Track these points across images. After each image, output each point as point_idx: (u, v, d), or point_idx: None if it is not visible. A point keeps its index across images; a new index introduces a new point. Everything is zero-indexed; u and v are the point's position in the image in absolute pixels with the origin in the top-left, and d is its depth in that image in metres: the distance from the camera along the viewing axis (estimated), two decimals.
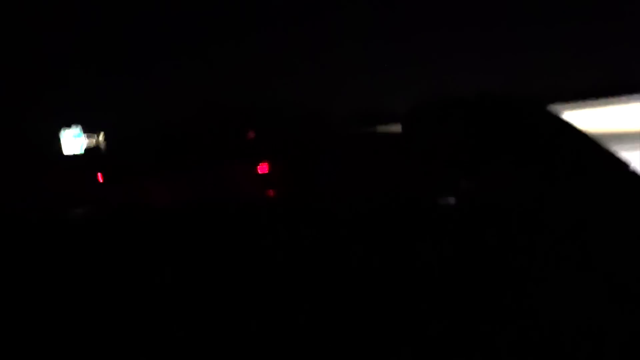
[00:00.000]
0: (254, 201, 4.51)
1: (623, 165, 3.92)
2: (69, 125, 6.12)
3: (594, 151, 4.00)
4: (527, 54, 5.67)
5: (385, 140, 4.54)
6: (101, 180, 4.86)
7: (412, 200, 3.96)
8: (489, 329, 3.21)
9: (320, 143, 4.84)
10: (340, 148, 4.68)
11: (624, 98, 5.95)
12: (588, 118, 5.74)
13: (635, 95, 5.89)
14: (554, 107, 4.86)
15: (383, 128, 5.03)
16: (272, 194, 4.57)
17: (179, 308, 3.64)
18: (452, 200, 3.86)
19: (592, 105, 5.97)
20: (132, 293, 3.73)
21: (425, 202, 3.91)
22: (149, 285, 3.80)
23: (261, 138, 4.82)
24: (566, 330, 3.06)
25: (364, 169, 4.38)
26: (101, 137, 5.86)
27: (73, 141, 6.33)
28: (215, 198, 4.53)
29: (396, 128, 4.77)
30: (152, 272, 3.92)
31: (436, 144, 3.99)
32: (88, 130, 5.98)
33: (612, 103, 6.01)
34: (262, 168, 4.64)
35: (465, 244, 3.56)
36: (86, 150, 5.90)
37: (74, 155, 5.81)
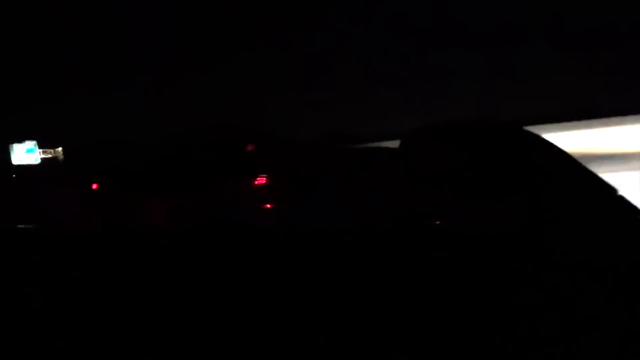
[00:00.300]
0: (251, 216, 4.58)
1: (611, 191, 4.13)
2: (20, 140, 6.19)
3: (583, 177, 4.21)
4: (515, 79, 5.91)
5: (382, 157, 4.67)
6: (95, 188, 4.89)
7: (408, 217, 4.11)
8: (480, 342, 3.36)
9: (317, 158, 4.93)
10: (337, 163, 4.78)
11: (610, 120, 6.22)
12: (575, 139, 5.99)
13: (621, 118, 6.17)
14: (541, 130, 5.09)
15: (379, 145, 5.16)
16: (269, 207, 4.64)
17: (177, 325, 3.71)
18: (446, 220, 4.02)
19: (578, 127, 6.23)
20: (128, 313, 3.79)
21: (420, 221, 4.06)
22: (146, 305, 3.85)
23: (259, 152, 4.87)
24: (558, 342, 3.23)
25: (360, 184, 4.50)
26: (59, 151, 5.90)
27: (26, 155, 6.42)
28: (213, 212, 4.59)
29: (392, 144, 4.91)
30: (150, 287, 3.98)
31: (436, 165, 4.15)
32: (45, 145, 6.07)
33: (597, 125, 6.28)
34: (260, 181, 4.70)
35: (457, 264, 3.72)
36: (42, 161, 5.96)
37: (27, 166, 5.84)
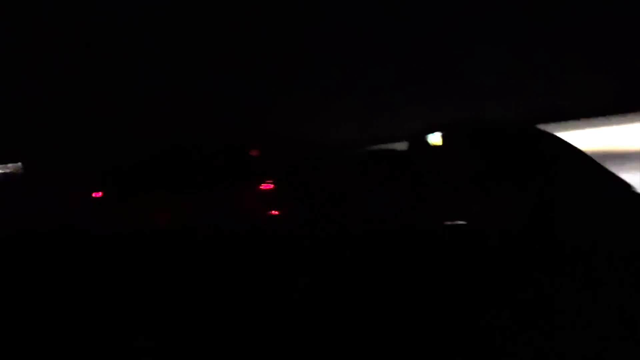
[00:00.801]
0: (257, 222, 4.64)
1: (627, 188, 4.19)
2: None
3: (597, 174, 4.27)
4: (526, 76, 5.94)
5: (391, 160, 4.73)
6: (99, 196, 4.96)
7: (421, 221, 4.17)
8: (497, 344, 3.42)
9: (325, 162, 4.99)
10: (344, 168, 4.84)
11: (625, 117, 6.22)
12: (590, 137, 6.01)
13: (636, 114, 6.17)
14: (555, 127, 5.13)
15: (386, 147, 5.22)
16: (276, 214, 4.70)
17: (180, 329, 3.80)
18: (462, 223, 4.08)
19: (594, 125, 6.24)
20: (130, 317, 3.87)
21: (434, 224, 4.12)
22: (149, 309, 3.94)
23: (265, 156, 4.92)
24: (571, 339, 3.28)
25: (370, 189, 4.56)
26: (18, 166, 5.79)
27: None
28: (218, 218, 4.66)
29: (399, 146, 4.98)
30: (153, 294, 4.07)
31: (447, 166, 4.22)
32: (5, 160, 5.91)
33: (613, 122, 6.28)
34: (267, 187, 4.75)
35: (474, 266, 3.78)
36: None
37: None
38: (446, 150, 4.33)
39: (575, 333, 3.28)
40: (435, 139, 4.32)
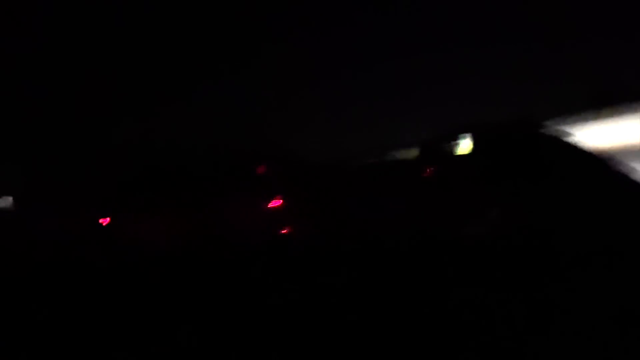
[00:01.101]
0: (265, 241, 4.58)
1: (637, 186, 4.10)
2: None
3: (612, 176, 4.19)
4: (530, 73, 5.90)
5: (403, 170, 4.67)
6: (105, 224, 4.92)
7: (439, 231, 4.10)
8: (517, 349, 3.34)
9: (336, 174, 4.93)
10: (356, 179, 4.78)
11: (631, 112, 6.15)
12: (598, 133, 5.93)
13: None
14: (562, 125, 5.05)
15: (395, 156, 5.17)
16: (285, 232, 4.64)
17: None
18: (480, 229, 4.01)
19: (599, 121, 6.16)
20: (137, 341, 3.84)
21: (452, 233, 4.06)
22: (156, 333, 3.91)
23: (273, 172, 4.85)
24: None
25: (385, 200, 4.50)
26: (8, 200, 5.42)
27: None
28: (225, 238, 4.61)
29: (408, 155, 4.92)
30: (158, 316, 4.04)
31: (462, 173, 4.16)
32: None
33: (619, 117, 6.20)
34: (275, 204, 4.69)
35: (494, 272, 3.72)
36: None
37: None
38: (463, 157, 4.27)
39: (580, 333, 3.22)
40: (464, 146, 4.27)
